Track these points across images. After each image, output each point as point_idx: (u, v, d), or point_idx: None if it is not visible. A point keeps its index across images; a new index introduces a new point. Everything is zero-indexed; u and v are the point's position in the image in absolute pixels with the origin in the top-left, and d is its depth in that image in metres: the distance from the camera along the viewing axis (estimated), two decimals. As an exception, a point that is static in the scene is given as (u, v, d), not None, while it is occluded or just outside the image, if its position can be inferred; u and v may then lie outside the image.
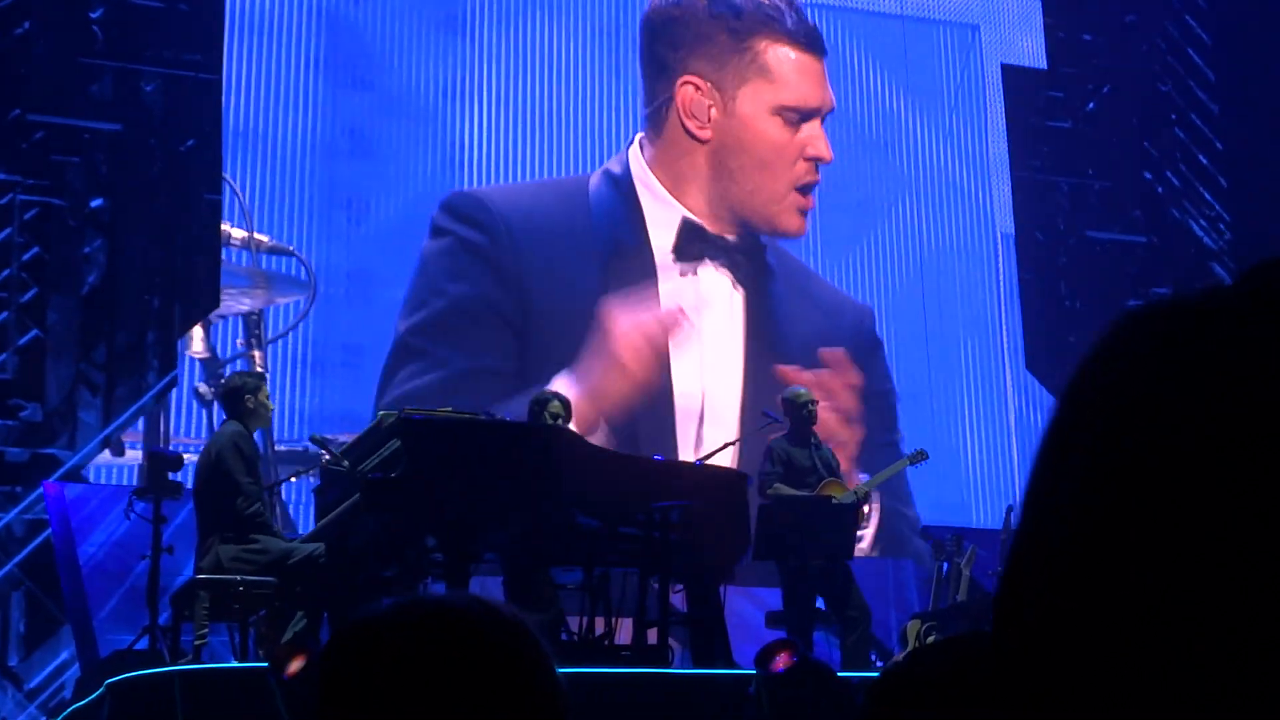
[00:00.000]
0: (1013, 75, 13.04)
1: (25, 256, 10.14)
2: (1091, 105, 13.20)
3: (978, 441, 12.50)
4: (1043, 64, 13.13)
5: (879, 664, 8.84)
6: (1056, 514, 0.73)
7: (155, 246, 10.42)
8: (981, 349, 12.70)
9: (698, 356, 11.42)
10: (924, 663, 1.62)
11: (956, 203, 12.83)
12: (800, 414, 8.89)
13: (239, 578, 7.35)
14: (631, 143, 11.80)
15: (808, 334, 11.79)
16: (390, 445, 7.17)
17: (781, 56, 11.80)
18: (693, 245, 11.58)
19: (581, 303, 11.16)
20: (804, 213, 11.83)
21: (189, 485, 8.07)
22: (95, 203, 10.35)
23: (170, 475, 8.06)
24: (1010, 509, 10.12)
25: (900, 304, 12.48)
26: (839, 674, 7.00)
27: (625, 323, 11.08)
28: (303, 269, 11.00)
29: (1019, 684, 0.73)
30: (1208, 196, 13.32)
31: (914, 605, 10.88)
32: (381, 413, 7.57)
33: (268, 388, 8.06)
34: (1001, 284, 12.90)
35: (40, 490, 9.74)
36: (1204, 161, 13.34)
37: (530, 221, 11.32)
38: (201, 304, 10.49)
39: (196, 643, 7.35)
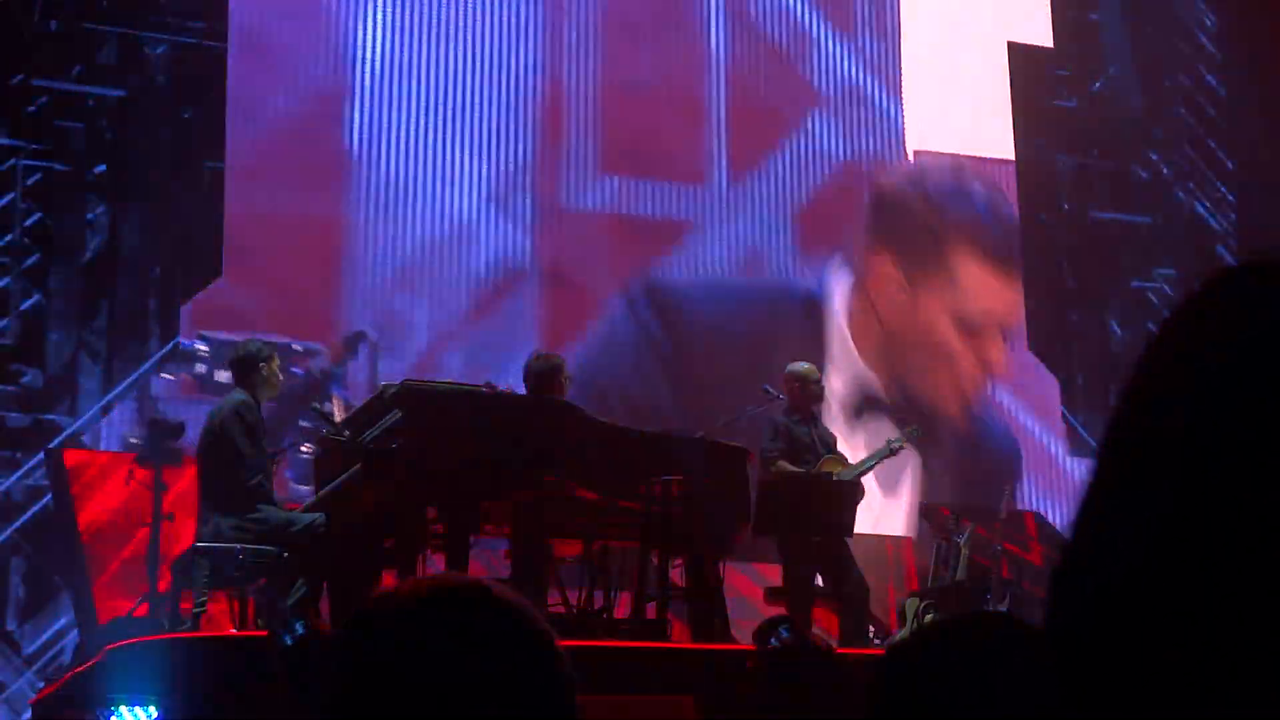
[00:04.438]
0: (1018, 53, 12.99)
1: (27, 222, 10.13)
2: (1097, 85, 13.16)
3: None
4: (1049, 42, 13.08)
5: (877, 641, 8.85)
6: (1148, 491, 0.71)
7: (158, 213, 10.40)
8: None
9: None
10: (930, 641, 1.62)
11: (868, 119, 12.68)
12: (807, 391, 8.88)
13: (239, 546, 7.35)
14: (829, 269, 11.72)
15: None
16: (391, 416, 7.16)
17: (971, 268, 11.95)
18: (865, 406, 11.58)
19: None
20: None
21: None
22: (98, 169, 10.33)
23: (171, 442, 8.06)
24: (1010, 488, 10.11)
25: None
26: (837, 651, 7.00)
27: None
28: None
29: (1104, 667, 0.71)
30: (1213, 178, 13.29)
31: (912, 582, 10.89)
32: (383, 384, 7.55)
33: (278, 359, 8.06)
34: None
35: (40, 456, 9.74)
36: (1210, 143, 13.31)
37: (714, 321, 11.32)
38: (202, 271, 10.48)
39: (196, 610, 7.35)
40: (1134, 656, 0.71)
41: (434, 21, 11.42)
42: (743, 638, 7.52)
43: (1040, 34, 13.10)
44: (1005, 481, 11.02)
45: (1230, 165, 13.28)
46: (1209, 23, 13.43)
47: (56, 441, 9.81)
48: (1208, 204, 13.26)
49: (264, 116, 10.79)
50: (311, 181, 10.91)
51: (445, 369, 10.48)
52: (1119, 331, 12.75)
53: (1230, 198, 13.27)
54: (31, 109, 10.19)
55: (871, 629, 8.93)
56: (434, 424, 7.11)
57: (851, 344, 11.64)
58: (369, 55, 11.19)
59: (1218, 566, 0.69)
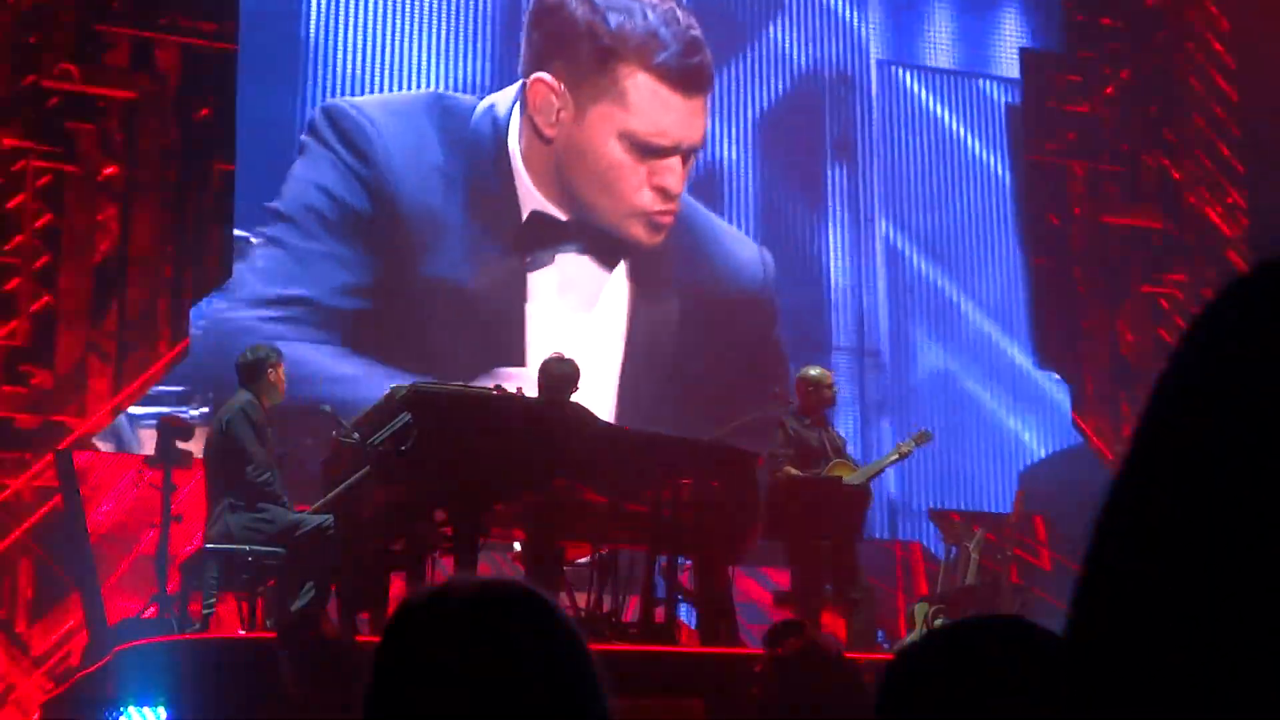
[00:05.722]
0: (1030, 58, 12.99)
1: (38, 223, 10.14)
2: (1109, 89, 13.14)
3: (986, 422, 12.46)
4: (1061, 47, 13.07)
5: (885, 645, 8.85)
6: (1178, 499, 0.71)
7: (167, 215, 10.41)
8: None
9: (564, 332, 11.07)
10: (939, 645, 1.61)
11: (828, 28, 12.65)
12: (819, 396, 8.88)
13: (248, 548, 7.36)
14: (519, 94, 11.50)
15: (697, 293, 11.60)
16: (401, 419, 7.17)
17: (641, 84, 11.46)
18: (545, 232, 11.32)
19: (449, 255, 11.01)
20: (656, 227, 11.52)
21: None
22: (109, 170, 10.34)
23: (180, 444, 8.07)
24: (1021, 492, 10.10)
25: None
26: (846, 655, 6.99)
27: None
28: None
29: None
30: (1225, 183, 13.26)
31: (921, 588, 10.89)
32: (392, 386, 7.55)
33: (284, 366, 8.07)
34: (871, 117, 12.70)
35: (50, 457, 9.75)
36: (1222, 148, 13.29)
37: (409, 149, 11.06)
38: (213, 273, 10.49)
39: (205, 612, 7.36)
40: (1152, 664, 0.70)
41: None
42: (751, 642, 7.51)
43: (1052, 39, 13.09)
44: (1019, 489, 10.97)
45: (1242, 170, 13.25)
46: (1221, 27, 13.41)
47: (66, 443, 9.82)
48: (1219, 209, 13.23)
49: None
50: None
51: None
52: (1129, 337, 12.72)
53: (1242, 203, 13.25)
54: (42, 111, 10.20)
55: (880, 633, 8.93)
56: (443, 427, 7.11)
57: (524, 173, 11.37)
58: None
59: (1244, 576, 0.68)
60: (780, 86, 12.41)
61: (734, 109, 12.21)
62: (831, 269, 12.30)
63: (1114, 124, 13.07)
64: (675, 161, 11.50)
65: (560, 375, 8.07)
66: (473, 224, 11.17)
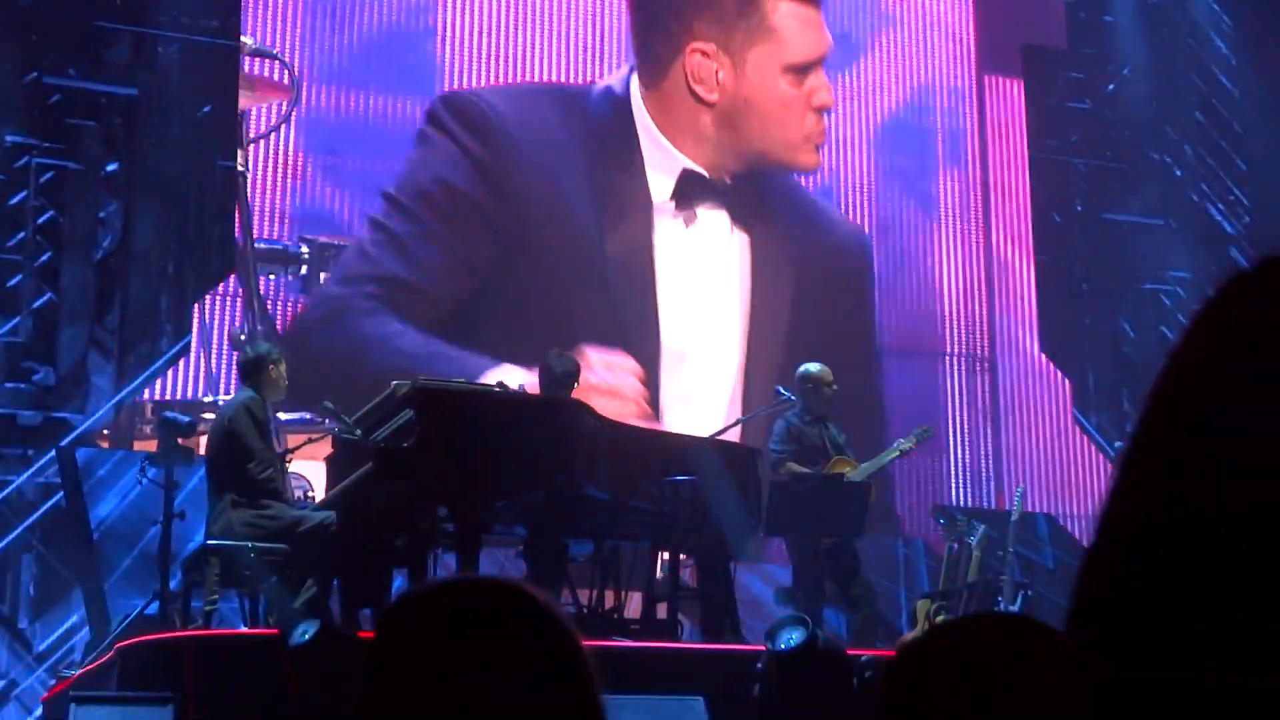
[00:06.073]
0: (1033, 55, 12.98)
1: (40, 220, 10.14)
2: (1111, 86, 13.14)
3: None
4: (1063, 44, 13.06)
5: (886, 642, 8.84)
6: (1180, 490, 0.71)
7: (170, 211, 10.41)
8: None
9: (694, 304, 11.41)
10: (940, 641, 1.61)
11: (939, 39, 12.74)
12: (819, 394, 8.88)
13: (250, 544, 7.36)
14: (632, 70, 11.67)
15: (809, 268, 11.75)
16: (403, 415, 7.17)
17: (785, 13, 11.75)
18: (693, 191, 11.53)
19: (576, 231, 11.15)
20: (818, 148, 11.90)
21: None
22: (110, 167, 10.34)
23: (182, 440, 8.07)
24: (1022, 490, 10.09)
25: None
26: (847, 651, 7.00)
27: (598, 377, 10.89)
28: (285, 73, 11.01)
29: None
30: (1226, 180, 13.25)
31: (924, 585, 10.88)
32: (395, 382, 7.55)
33: (285, 364, 8.08)
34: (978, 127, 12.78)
35: (52, 453, 9.75)
36: (1223, 145, 13.28)
37: (530, 133, 11.21)
38: (216, 269, 10.49)
39: (207, 609, 7.36)
40: (1153, 656, 0.70)
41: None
42: (753, 638, 7.51)
43: (1055, 36, 13.08)
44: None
45: (1243, 167, 13.25)
46: (1223, 24, 13.40)
47: (68, 439, 9.83)
48: (1221, 206, 13.23)
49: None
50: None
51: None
52: (1132, 333, 12.72)
53: (1244, 199, 13.24)
54: (44, 107, 10.20)
55: (881, 631, 8.93)
56: (445, 423, 7.11)
57: (665, 140, 11.54)
58: None
59: (1244, 567, 0.68)
60: (893, 98, 12.48)
61: (848, 121, 12.28)
62: (942, 276, 12.37)
63: (1116, 121, 13.06)
64: (822, 76, 11.80)
65: (561, 372, 8.08)
66: (599, 197, 11.28)
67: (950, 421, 12.12)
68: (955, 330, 12.40)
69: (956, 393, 12.29)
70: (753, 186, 11.74)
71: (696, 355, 11.42)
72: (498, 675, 1.35)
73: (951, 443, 12.07)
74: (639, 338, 11.15)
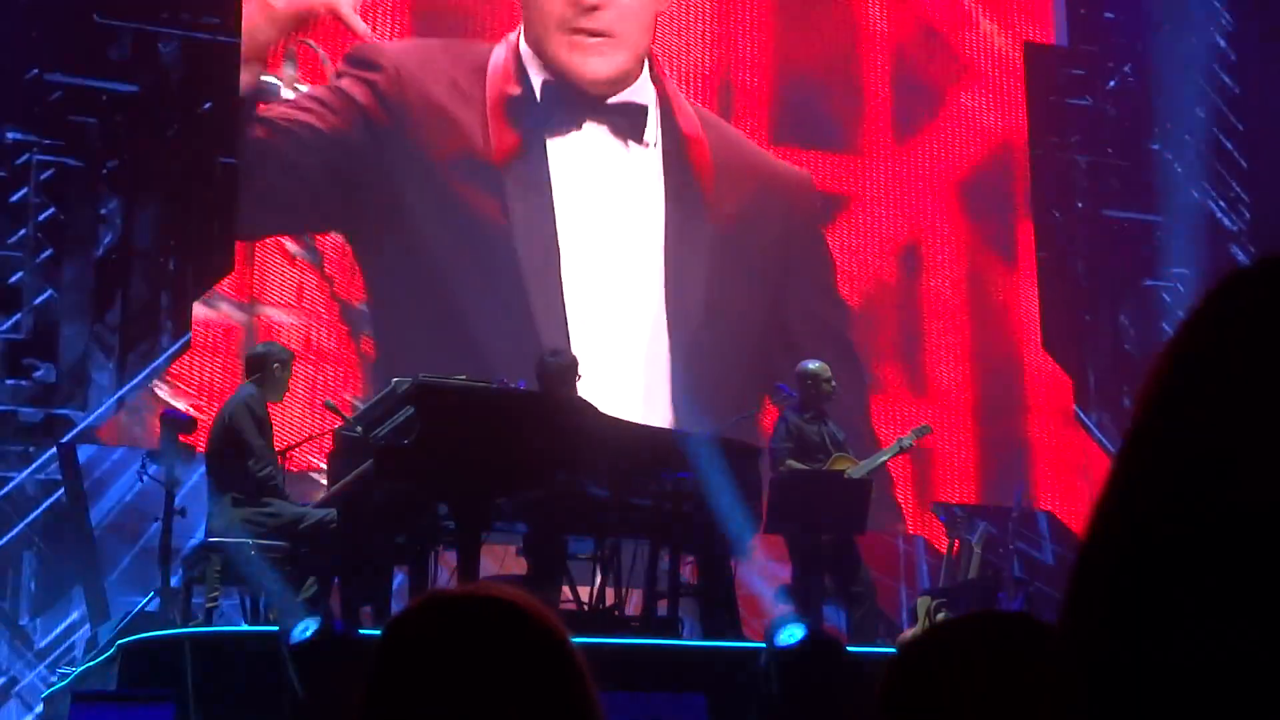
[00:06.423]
0: (1033, 52, 12.97)
1: (41, 217, 10.15)
2: (1112, 83, 13.13)
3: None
4: (1064, 41, 13.06)
5: (886, 639, 8.84)
6: (1166, 491, 0.71)
7: (170, 208, 10.41)
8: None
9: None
10: (940, 639, 1.61)
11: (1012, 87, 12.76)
12: (818, 390, 8.88)
13: (250, 541, 7.36)
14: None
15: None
16: (404, 412, 7.17)
17: None
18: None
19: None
20: (587, 54, 11.20)
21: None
22: (111, 164, 10.34)
23: (183, 437, 8.07)
24: (1022, 487, 10.11)
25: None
26: (848, 649, 6.99)
27: None
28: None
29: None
30: (1228, 177, 13.25)
31: (924, 582, 10.89)
32: (395, 380, 7.55)
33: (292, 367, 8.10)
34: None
35: (53, 451, 9.76)
36: (1224, 141, 13.28)
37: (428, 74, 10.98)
38: (215, 266, 10.49)
39: (207, 606, 7.36)
40: (1148, 653, 0.70)
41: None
42: (753, 635, 7.51)
43: (1056, 33, 13.07)
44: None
45: (1244, 164, 13.24)
46: (1224, 21, 13.39)
47: (69, 436, 9.83)
48: (1222, 203, 13.22)
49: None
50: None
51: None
52: (1132, 330, 12.72)
53: (1244, 196, 13.24)
54: (44, 104, 10.20)
55: (881, 627, 8.93)
56: (446, 420, 7.11)
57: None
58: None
59: (1235, 563, 0.68)
60: (971, 148, 12.46)
61: (929, 174, 12.25)
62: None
63: (1116, 117, 13.06)
64: None
65: (557, 368, 8.07)
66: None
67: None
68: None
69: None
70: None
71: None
72: (486, 692, 1.36)
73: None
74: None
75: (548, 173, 11.10)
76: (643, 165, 11.37)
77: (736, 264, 11.37)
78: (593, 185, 11.19)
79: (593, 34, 11.27)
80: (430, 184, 10.80)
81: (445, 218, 10.81)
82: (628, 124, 11.30)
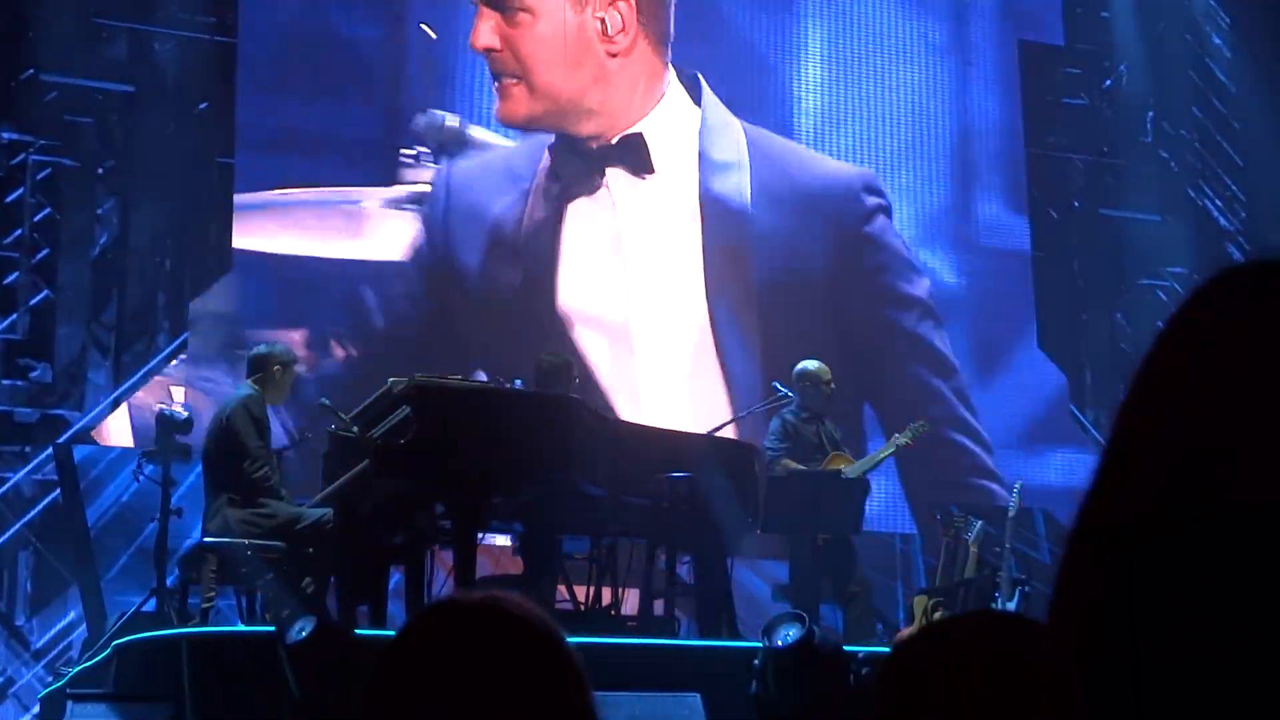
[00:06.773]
0: (1030, 51, 12.96)
1: (37, 217, 10.14)
2: (1108, 82, 13.13)
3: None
4: (1060, 40, 13.05)
5: (883, 638, 8.84)
6: (1152, 483, 0.71)
7: (167, 208, 10.40)
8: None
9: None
10: (936, 638, 1.61)
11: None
12: (816, 391, 8.88)
13: (246, 542, 7.36)
14: None
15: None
16: (400, 412, 7.16)
17: None
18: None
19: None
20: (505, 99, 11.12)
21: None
22: (107, 164, 10.33)
23: (179, 438, 8.06)
24: (1020, 486, 10.10)
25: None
26: (844, 648, 6.99)
27: None
28: None
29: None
30: (1224, 176, 13.25)
31: (921, 581, 10.89)
32: (391, 379, 7.54)
33: (295, 370, 8.09)
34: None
35: (49, 451, 9.75)
36: (1220, 141, 13.28)
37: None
38: (212, 266, 10.48)
39: (204, 606, 7.36)
40: (1145, 652, 0.70)
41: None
42: (750, 635, 7.51)
43: (1052, 31, 13.07)
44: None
45: (1240, 163, 13.25)
46: (1221, 21, 13.39)
47: (65, 436, 9.83)
48: (1218, 202, 13.23)
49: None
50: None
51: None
52: (1128, 329, 12.72)
53: (1241, 196, 13.24)
54: (40, 104, 10.19)
55: (879, 626, 8.94)
56: (442, 420, 7.11)
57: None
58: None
59: (1233, 562, 0.68)
60: (968, 146, 12.52)
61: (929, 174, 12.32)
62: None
63: (1113, 116, 13.06)
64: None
65: (551, 368, 8.07)
66: None
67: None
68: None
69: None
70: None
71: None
72: (482, 697, 1.37)
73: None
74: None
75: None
76: (653, 194, 11.38)
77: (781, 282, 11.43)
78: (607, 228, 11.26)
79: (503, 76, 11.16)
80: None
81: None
82: (634, 158, 11.32)
